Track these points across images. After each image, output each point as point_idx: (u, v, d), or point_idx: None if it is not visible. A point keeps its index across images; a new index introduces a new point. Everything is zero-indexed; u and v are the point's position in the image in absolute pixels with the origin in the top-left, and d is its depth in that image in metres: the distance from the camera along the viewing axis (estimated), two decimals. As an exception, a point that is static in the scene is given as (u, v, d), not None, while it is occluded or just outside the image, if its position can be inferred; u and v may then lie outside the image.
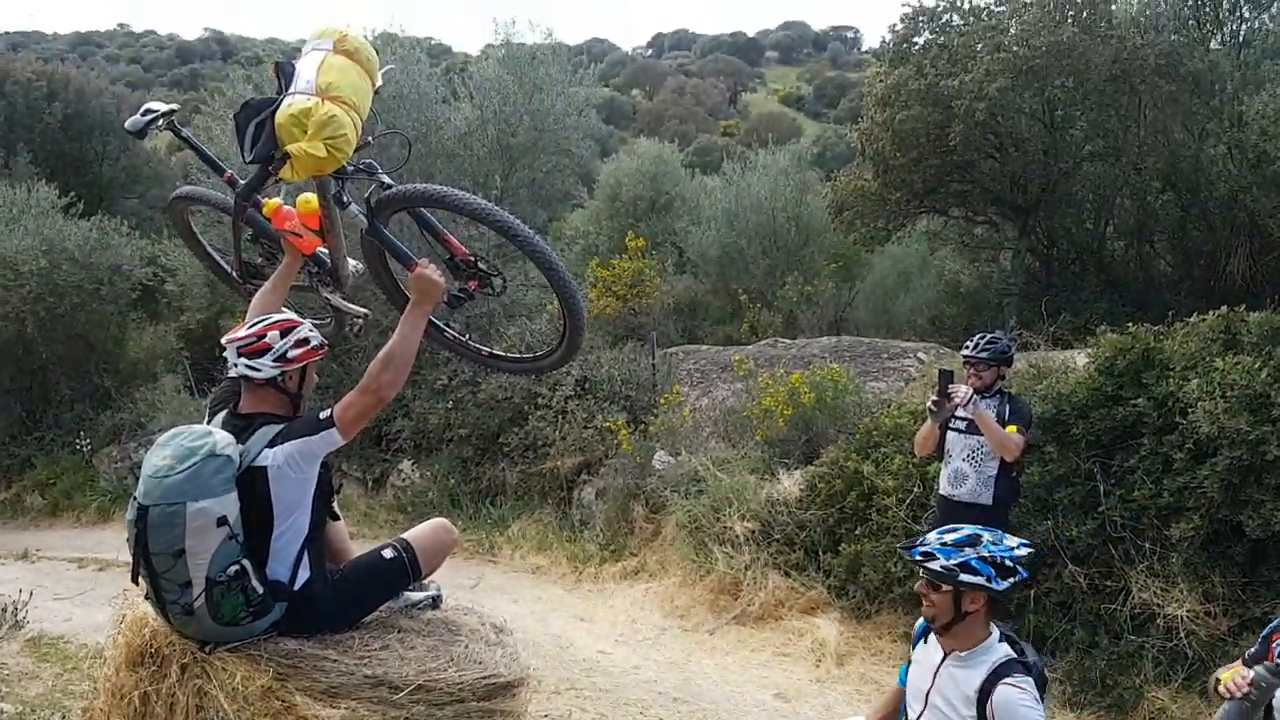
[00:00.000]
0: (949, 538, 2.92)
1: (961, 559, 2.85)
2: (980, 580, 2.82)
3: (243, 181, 3.65)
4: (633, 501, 9.36)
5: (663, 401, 9.95)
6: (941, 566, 2.86)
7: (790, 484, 8.31)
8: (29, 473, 13.42)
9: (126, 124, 3.90)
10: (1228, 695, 3.02)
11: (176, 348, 14.60)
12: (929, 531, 3.06)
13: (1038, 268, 12.64)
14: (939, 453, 5.77)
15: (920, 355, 11.10)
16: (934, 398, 5.49)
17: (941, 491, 5.74)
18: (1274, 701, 3.01)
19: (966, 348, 5.68)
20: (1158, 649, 5.51)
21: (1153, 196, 11.59)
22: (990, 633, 2.96)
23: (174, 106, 3.96)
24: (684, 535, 8.50)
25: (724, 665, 6.86)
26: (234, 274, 4.31)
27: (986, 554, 2.85)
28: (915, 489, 6.88)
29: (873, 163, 12.90)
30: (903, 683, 3.26)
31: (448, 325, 3.96)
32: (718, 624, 7.50)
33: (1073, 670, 5.70)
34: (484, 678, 3.11)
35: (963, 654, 2.92)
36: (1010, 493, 5.56)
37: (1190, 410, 5.36)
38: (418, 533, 3.51)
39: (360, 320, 3.95)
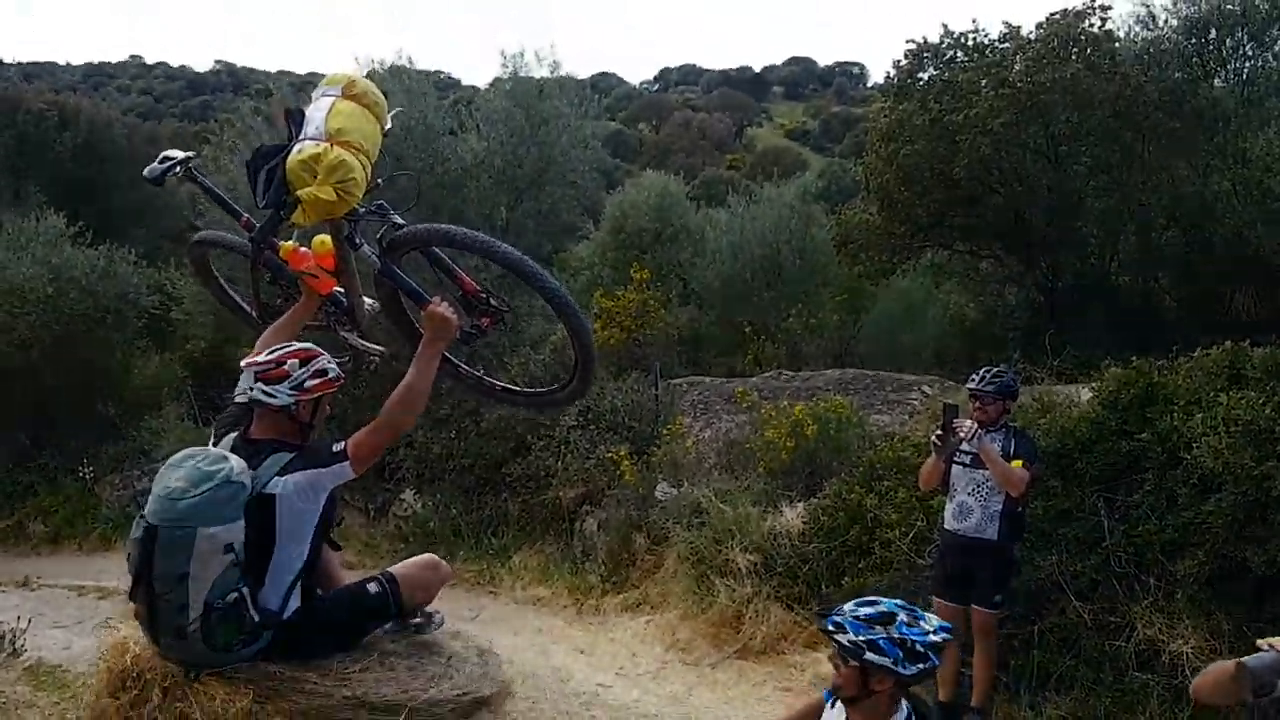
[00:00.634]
0: (863, 611, 2.83)
1: (870, 637, 2.77)
2: (886, 662, 2.74)
3: (258, 225, 3.74)
4: (635, 533, 9.32)
5: (665, 432, 9.94)
6: (849, 641, 2.78)
7: (793, 516, 8.26)
8: (31, 500, 13.40)
9: (145, 172, 3.98)
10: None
11: (181, 376, 14.62)
12: (848, 602, 2.97)
13: (1042, 302, 12.64)
14: (944, 487, 5.76)
15: (925, 388, 11.08)
16: (938, 432, 5.50)
17: (946, 526, 5.73)
18: None
19: (972, 381, 5.67)
20: (1163, 686, 5.43)
21: (1157, 232, 11.62)
22: (896, 711, 2.88)
23: (191, 154, 4.03)
24: (686, 567, 8.44)
25: (726, 699, 6.78)
26: (254, 314, 4.34)
27: (897, 635, 2.76)
28: (919, 522, 6.84)
29: (877, 197, 12.96)
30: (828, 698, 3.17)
31: (462, 363, 4.00)
32: (719, 658, 7.42)
33: (1077, 708, 5.62)
34: (463, 694, 3.13)
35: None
36: (1016, 528, 5.54)
37: (1194, 445, 5.33)
38: (404, 568, 3.51)
39: (377, 358, 3.99)
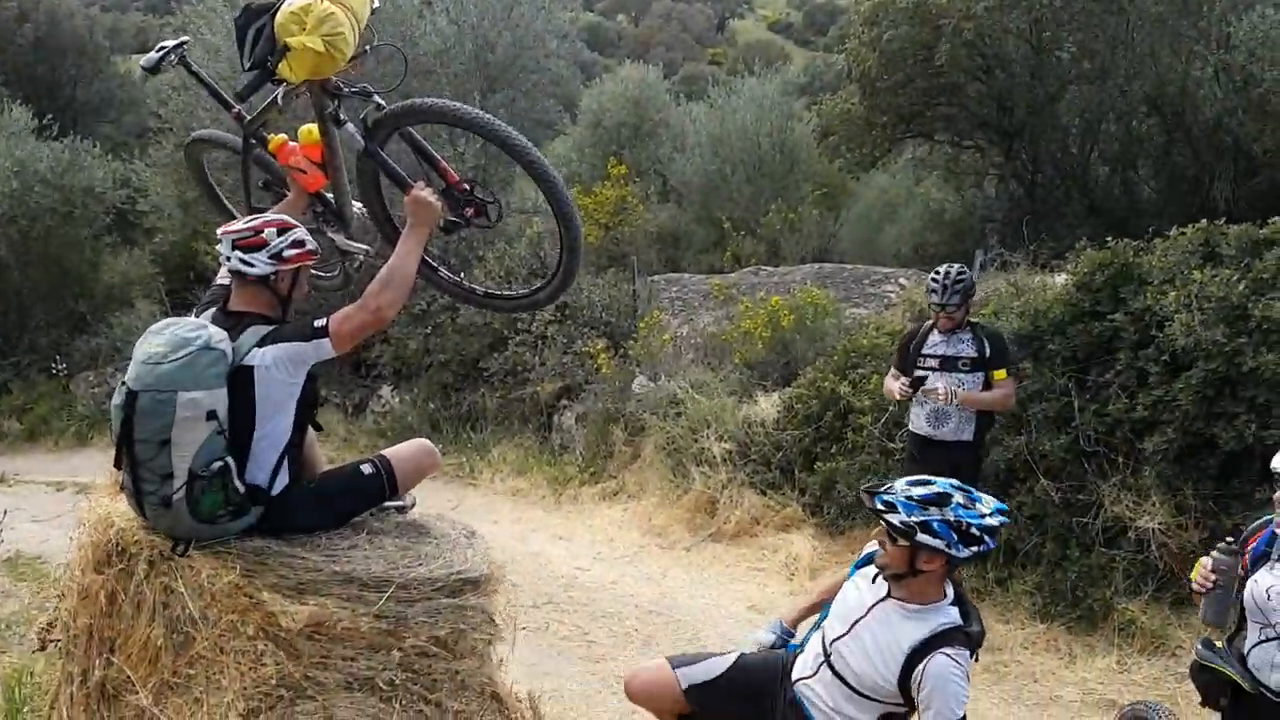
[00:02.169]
0: (916, 492, 2.76)
1: (923, 518, 2.70)
2: (939, 544, 2.68)
3: (249, 117, 3.72)
4: (612, 425, 9.39)
5: (642, 326, 9.92)
6: (901, 522, 2.71)
7: (768, 405, 8.34)
8: (5, 398, 13.36)
9: (141, 61, 3.95)
10: (1201, 589, 3.04)
11: (152, 273, 14.44)
12: (899, 479, 2.91)
13: (1021, 194, 12.55)
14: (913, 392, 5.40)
15: (902, 281, 11.08)
16: (902, 391, 5.33)
17: (918, 431, 5.46)
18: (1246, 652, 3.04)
19: (934, 294, 5.28)
20: (1129, 561, 5.57)
21: (1138, 120, 11.48)
22: (944, 594, 2.85)
23: (184, 39, 3.98)
24: (662, 457, 8.55)
25: (699, 580, 6.94)
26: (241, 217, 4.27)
27: (952, 518, 2.69)
28: (891, 408, 6.89)
29: (859, 85, 12.70)
30: (851, 574, 3.18)
31: (441, 266, 3.93)
32: (694, 541, 7.57)
33: (1043, 583, 5.78)
34: (454, 574, 3.10)
35: (910, 606, 2.80)
36: (989, 422, 5.47)
37: (1167, 324, 5.35)
38: (398, 451, 3.48)
39: (361, 257, 3.93)
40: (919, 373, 5.34)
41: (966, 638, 2.77)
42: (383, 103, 3.35)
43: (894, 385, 5.46)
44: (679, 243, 17.02)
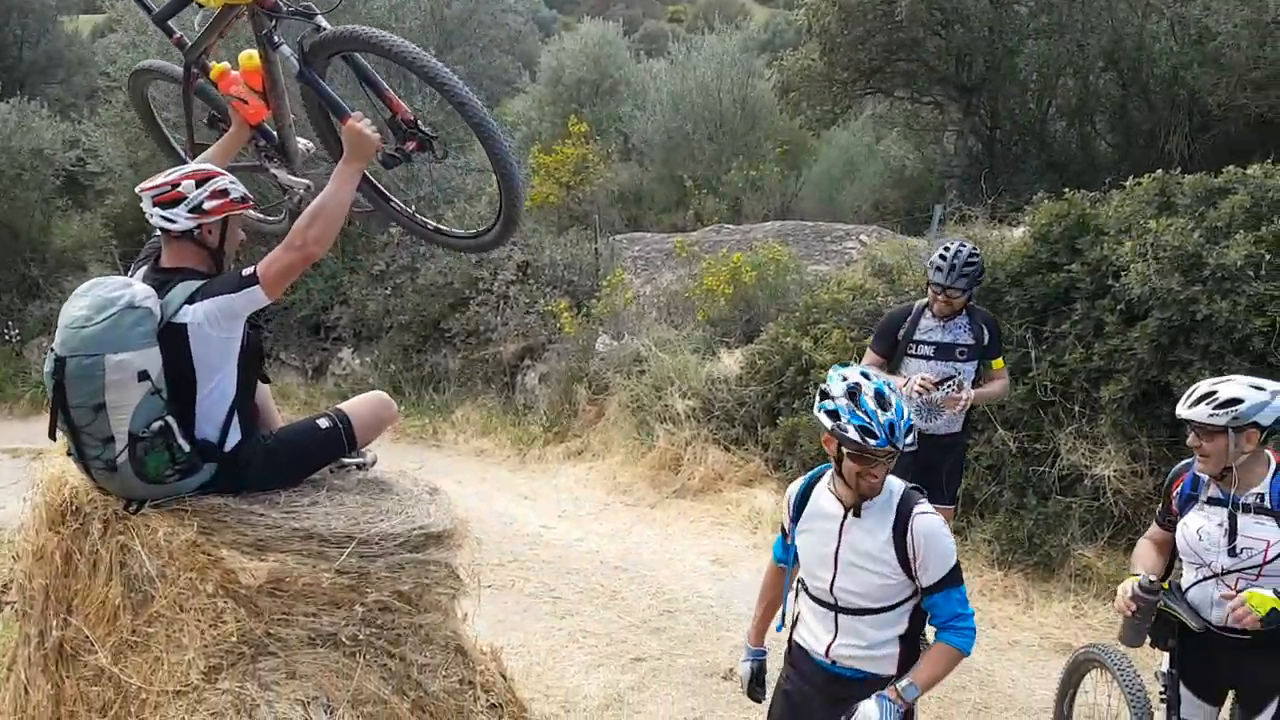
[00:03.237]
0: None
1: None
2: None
3: (190, 43, 3.56)
4: (576, 384, 9.39)
5: (605, 285, 9.88)
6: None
7: (731, 362, 8.37)
8: (-42, 364, 13.04)
9: None
10: (1125, 613, 3.09)
11: (104, 236, 14.11)
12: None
13: (980, 150, 12.60)
14: (890, 371, 4.81)
15: (863, 238, 11.11)
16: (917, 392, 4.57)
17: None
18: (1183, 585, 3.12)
19: (938, 273, 4.58)
20: (1084, 509, 5.69)
21: (1095, 75, 11.54)
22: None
23: None
24: (626, 415, 8.56)
25: (664, 536, 6.98)
26: (187, 155, 4.12)
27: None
28: (852, 362, 6.92)
29: (819, 41, 12.63)
30: (779, 559, 3.12)
31: (393, 195, 3.83)
32: (659, 498, 7.61)
33: (1001, 530, 5.88)
34: (416, 529, 3.08)
35: (868, 506, 2.77)
36: (974, 414, 5.07)
37: (1123, 273, 5.42)
38: (355, 405, 3.41)
39: (302, 192, 3.80)
40: (909, 360, 4.73)
41: (919, 491, 2.87)
42: (325, 24, 3.21)
43: (899, 382, 4.55)
44: (641, 202, 16.91)
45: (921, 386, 4.50)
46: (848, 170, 16.38)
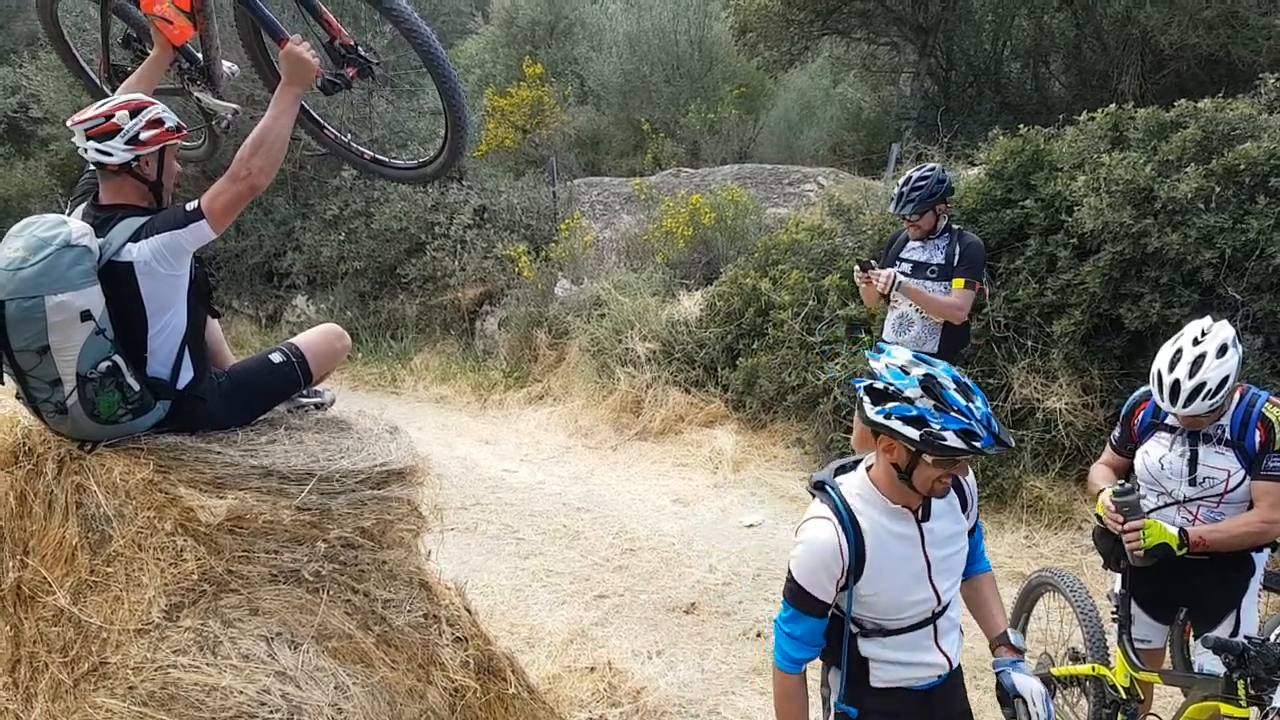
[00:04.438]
0: None
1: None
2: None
3: None
4: (536, 329, 9.37)
5: (563, 229, 9.81)
6: None
7: (690, 304, 8.39)
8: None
9: None
10: (1116, 526, 3.00)
11: (49, 184, 13.72)
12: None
13: (936, 91, 12.60)
14: (886, 297, 5.06)
15: (820, 180, 11.11)
16: (857, 278, 4.99)
17: (885, 337, 5.09)
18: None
19: (893, 202, 4.96)
20: (1036, 441, 5.80)
21: (1049, 15, 11.55)
22: None
23: None
24: (587, 359, 8.57)
25: (626, 477, 7.04)
26: (100, 79, 3.96)
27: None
28: (810, 302, 6.99)
29: (776, -20, 12.51)
30: (803, 659, 2.44)
31: (330, 125, 3.73)
32: (620, 440, 7.65)
33: (956, 465, 5.98)
34: (377, 465, 3.06)
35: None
36: (959, 342, 5.00)
37: (1076, 208, 5.47)
38: (307, 337, 3.37)
39: (230, 117, 3.67)
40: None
41: None
42: None
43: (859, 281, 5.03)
44: (599, 146, 16.72)
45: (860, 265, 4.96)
46: (805, 114, 16.30)
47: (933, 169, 4.89)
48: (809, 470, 6.67)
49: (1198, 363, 2.82)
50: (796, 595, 2.35)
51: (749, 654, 4.55)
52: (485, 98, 13.20)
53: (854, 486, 2.37)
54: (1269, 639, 2.54)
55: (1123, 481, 3.07)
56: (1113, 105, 5.93)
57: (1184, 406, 2.84)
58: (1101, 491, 3.12)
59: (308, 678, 2.83)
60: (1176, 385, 2.83)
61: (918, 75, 12.98)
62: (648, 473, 7.07)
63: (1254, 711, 2.62)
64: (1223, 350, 2.83)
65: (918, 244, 4.96)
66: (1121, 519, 2.97)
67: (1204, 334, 2.88)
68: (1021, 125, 6.20)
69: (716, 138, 14.62)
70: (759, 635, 4.71)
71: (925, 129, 11.21)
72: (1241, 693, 2.56)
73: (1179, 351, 2.86)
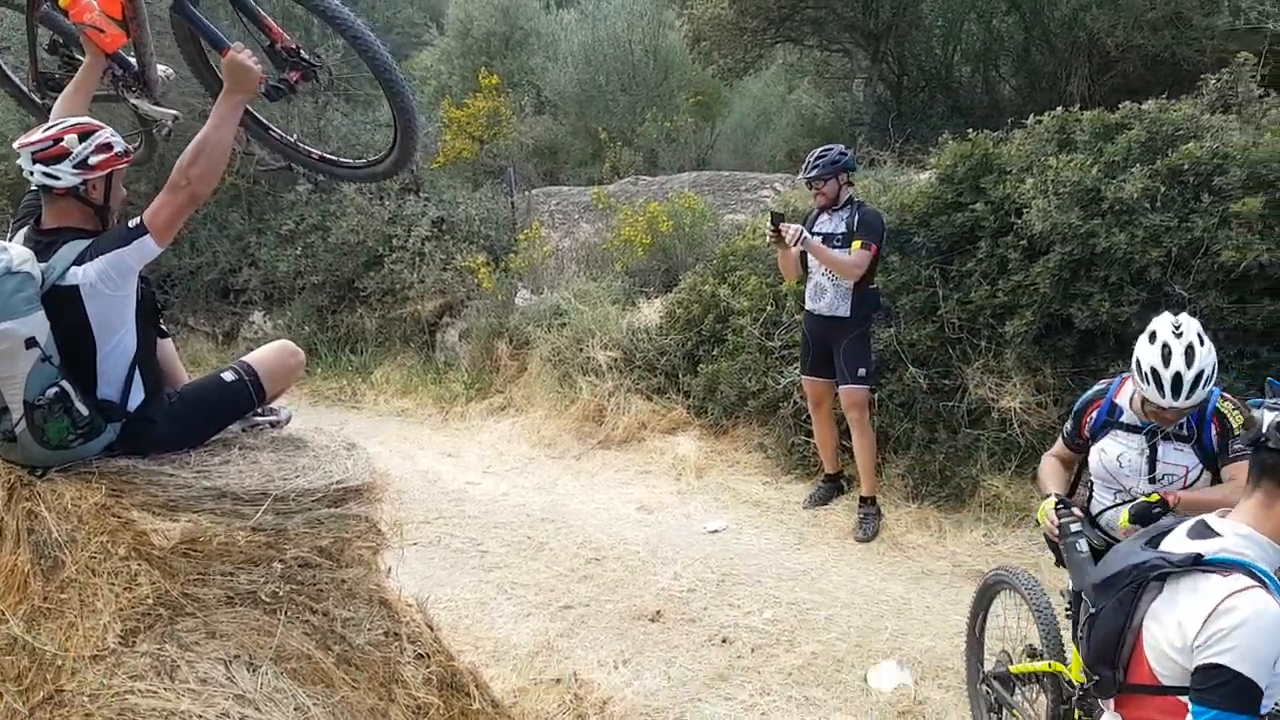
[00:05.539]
0: None
1: None
2: None
3: None
4: (496, 340, 9.34)
5: (522, 239, 9.80)
6: None
7: (650, 312, 8.42)
8: None
9: None
10: (1054, 537, 3.09)
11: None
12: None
13: (888, 96, 12.75)
14: (804, 270, 5.89)
15: (776, 186, 11.18)
16: (769, 238, 5.57)
17: (806, 307, 5.91)
18: (1096, 514, 3.22)
19: (801, 171, 5.81)
20: (992, 440, 5.88)
21: (998, 19, 11.73)
22: None
23: None
24: (548, 368, 8.56)
25: (590, 486, 7.04)
26: (31, 90, 3.89)
27: None
28: (769, 307, 7.05)
29: (728, -13, 12.58)
30: None
31: (275, 126, 3.70)
32: (583, 450, 7.65)
33: (914, 465, 6.06)
34: (333, 483, 3.04)
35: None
36: (867, 304, 5.71)
37: (1025, 210, 5.56)
38: (260, 355, 3.34)
39: (169, 124, 3.62)
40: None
41: None
42: None
43: (780, 260, 5.90)
44: (557, 155, 16.72)
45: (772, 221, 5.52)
46: (761, 121, 16.42)
47: (834, 146, 5.76)
48: (771, 475, 6.72)
49: (1190, 352, 2.82)
50: (1242, 695, 1.86)
51: (715, 659, 4.57)
52: (441, 109, 13.14)
53: (1239, 546, 2.08)
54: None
55: (1072, 510, 3.09)
56: (1059, 108, 6.04)
57: (1187, 398, 2.82)
58: (1047, 498, 3.18)
59: (267, 700, 2.81)
60: (1178, 378, 2.81)
61: (870, 81, 13.12)
62: (611, 481, 7.07)
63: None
64: (1203, 339, 2.86)
65: (825, 218, 5.70)
66: (1059, 534, 3.03)
67: (1178, 326, 2.89)
68: (972, 129, 6.29)
69: (674, 146, 14.68)
70: (724, 641, 4.74)
71: (878, 134, 11.34)
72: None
73: (1166, 346, 2.85)
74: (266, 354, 3.35)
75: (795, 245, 5.47)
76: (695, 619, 4.98)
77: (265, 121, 3.58)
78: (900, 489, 6.07)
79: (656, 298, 8.63)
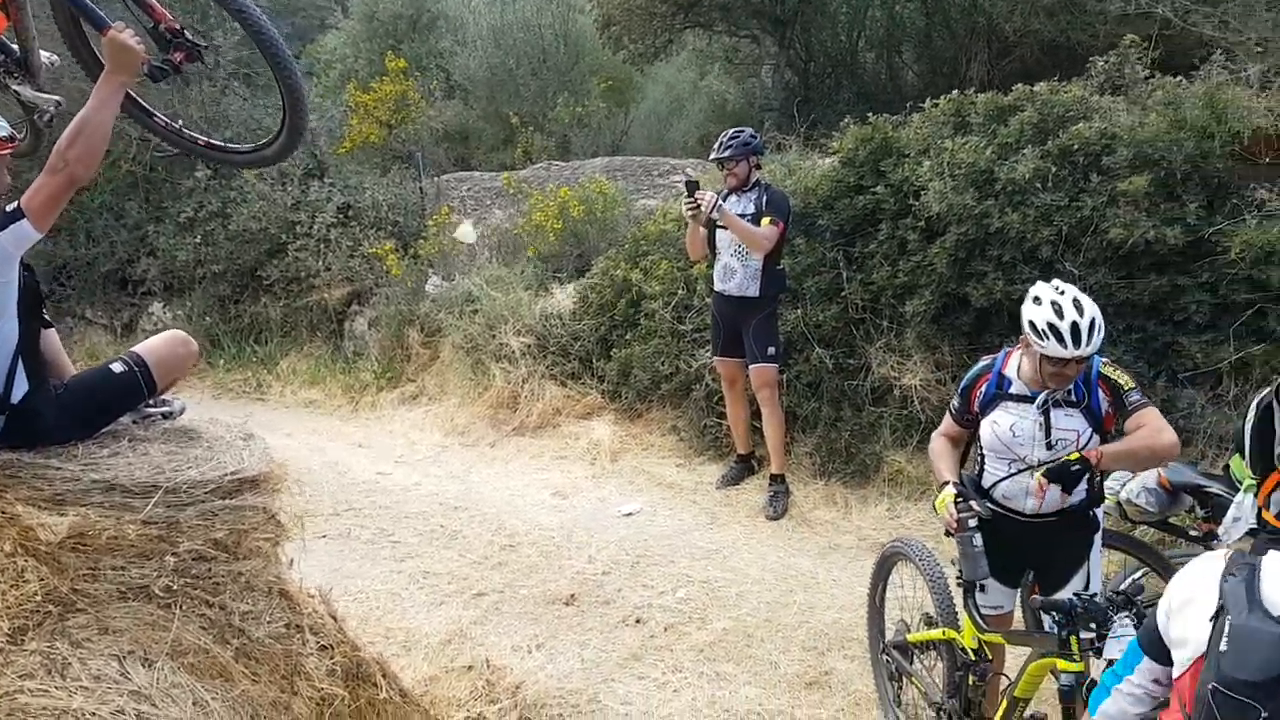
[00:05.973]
0: None
1: None
2: None
3: None
4: (407, 328, 9.21)
5: (431, 225, 9.67)
6: None
7: (563, 297, 8.39)
8: None
9: None
10: (954, 530, 3.14)
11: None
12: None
13: (796, 82, 12.90)
14: (711, 251, 5.99)
15: (687, 170, 11.23)
16: (686, 205, 5.70)
17: (715, 288, 6.01)
18: (990, 486, 3.31)
19: (714, 150, 5.98)
20: (894, 417, 6.04)
21: (901, 6, 11.97)
22: None
23: None
24: (461, 356, 8.48)
25: (504, 473, 7.01)
26: None
27: None
28: (680, 291, 7.10)
29: (637, -26, 12.57)
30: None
31: (159, 112, 3.58)
32: (497, 437, 7.61)
33: (821, 443, 6.19)
34: (228, 474, 2.97)
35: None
36: (775, 284, 5.88)
37: (923, 192, 5.70)
38: (150, 345, 3.25)
39: (52, 110, 3.48)
40: (717, 230, 5.85)
41: None
42: None
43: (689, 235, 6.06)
44: (469, 140, 16.51)
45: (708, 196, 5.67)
46: (674, 106, 16.47)
47: (745, 129, 5.97)
48: (684, 457, 6.78)
49: (1078, 303, 2.96)
50: None
51: (628, 640, 4.61)
52: (347, 93, 12.84)
53: None
54: (1097, 594, 2.69)
55: (970, 504, 3.15)
56: (955, 91, 6.20)
57: (1088, 344, 2.93)
58: (944, 485, 3.25)
59: (164, 695, 2.74)
60: (1075, 327, 2.92)
61: (778, 67, 13.26)
62: (526, 467, 7.05)
63: (1097, 662, 2.76)
64: (1085, 299, 2.99)
65: (734, 198, 5.83)
66: (957, 527, 3.12)
67: (1058, 286, 3.04)
68: (874, 114, 6.42)
69: (586, 131, 14.62)
70: (638, 621, 4.78)
71: (786, 119, 11.48)
72: (1075, 648, 2.68)
73: (1055, 303, 2.97)
74: (157, 344, 3.26)
75: (711, 212, 5.59)
76: (609, 601, 5.02)
77: (149, 107, 3.46)
78: (808, 467, 6.19)
79: (569, 283, 8.61)
